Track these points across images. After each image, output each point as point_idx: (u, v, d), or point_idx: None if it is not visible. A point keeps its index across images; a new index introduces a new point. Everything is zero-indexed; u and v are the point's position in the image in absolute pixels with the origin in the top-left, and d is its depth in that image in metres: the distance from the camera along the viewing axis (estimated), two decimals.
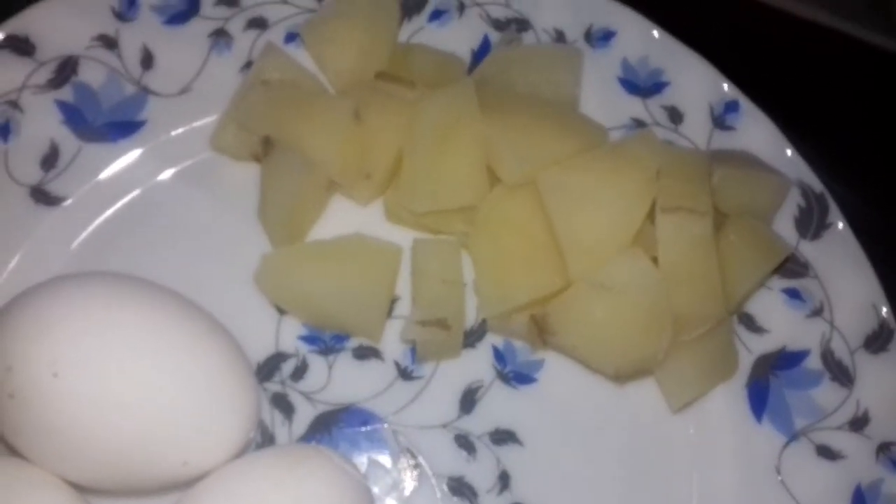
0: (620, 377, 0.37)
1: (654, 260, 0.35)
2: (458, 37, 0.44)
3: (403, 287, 0.40)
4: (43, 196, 0.40)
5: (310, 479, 0.31)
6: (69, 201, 0.40)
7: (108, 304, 0.31)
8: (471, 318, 0.40)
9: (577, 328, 0.35)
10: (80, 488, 0.32)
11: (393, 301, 0.40)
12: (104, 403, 0.30)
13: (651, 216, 0.37)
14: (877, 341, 0.39)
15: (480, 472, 0.38)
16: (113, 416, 0.30)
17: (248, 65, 0.42)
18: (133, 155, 0.41)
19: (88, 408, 0.30)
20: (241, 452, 0.34)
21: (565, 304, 0.35)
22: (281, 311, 0.40)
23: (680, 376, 0.38)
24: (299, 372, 0.39)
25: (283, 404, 0.39)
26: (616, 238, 0.35)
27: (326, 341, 0.40)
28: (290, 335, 0.40)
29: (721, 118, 0.42)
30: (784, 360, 0.40)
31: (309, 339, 0.40)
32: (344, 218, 0.41)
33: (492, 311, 0.37)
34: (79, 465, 0.31)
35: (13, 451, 0.32)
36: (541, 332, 0.37)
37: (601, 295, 0.34)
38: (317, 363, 0.39)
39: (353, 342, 0.40)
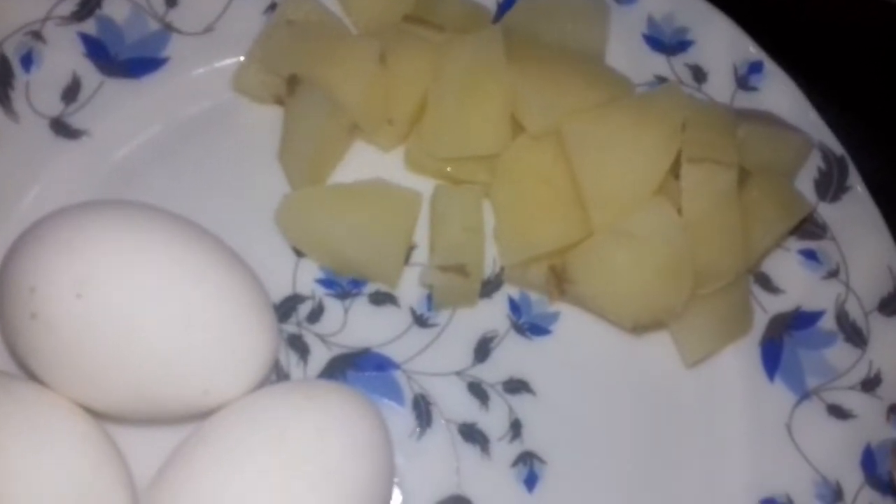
0: (637, 328, 0.37)
1: (678, 212, 0.36)
2: None
3: (421, 235, 0.40)
4: (63, 128, 0.40)
5: (329, 410, 0.31)
6: (89, 135, 0.40)
7: (134, 231, 0.31)
8: (488, 269, 0.40)
9: (597, 277, 0.35)
10: (98, 415, 0.32)
11: (411, 248, 0.40)
12: (126, 328, 0.30)
13: (674, 169, 0.37)
14: (891, 304, 0.39)
15: (493, 420, 0.38)
16: (135, 340, 0.30)
17: (271, 7, 0.42)
18: (154, 92, 0.41)
19: (110, 331, 0.30)
20: (258, 386, 0.34)
21: (586, 253, 0.35)
22: (298, 254, 0.40)
23: (695, 331, 0.38)
24: (315, 314, 0.39)
25: (298, 345, 0.39)
26: (639, 189, 0.35)
27: (343, 285, 0.40)
28: (307, 278, 0.40)
29: (745, 78, 0.42)
30: (798, 320, 0.40)
31: (326, 283, 0.40)
32: (364, 163, 0.41)
33: (512, 258, 0.38)
34: (98, 390, 0.31)
35: (32, 376, 0.32)
36: (559, 282, 0.37)
37: (623, 243, 0.34)
38: (333, 307, 0.39)
39: (370, 287, 0.40)
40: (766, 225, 0.37)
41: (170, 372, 0.31)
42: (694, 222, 0.35)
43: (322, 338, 0.39)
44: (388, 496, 0.33)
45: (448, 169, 0.39)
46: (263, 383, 0.35)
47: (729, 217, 0.35)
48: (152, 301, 0.31)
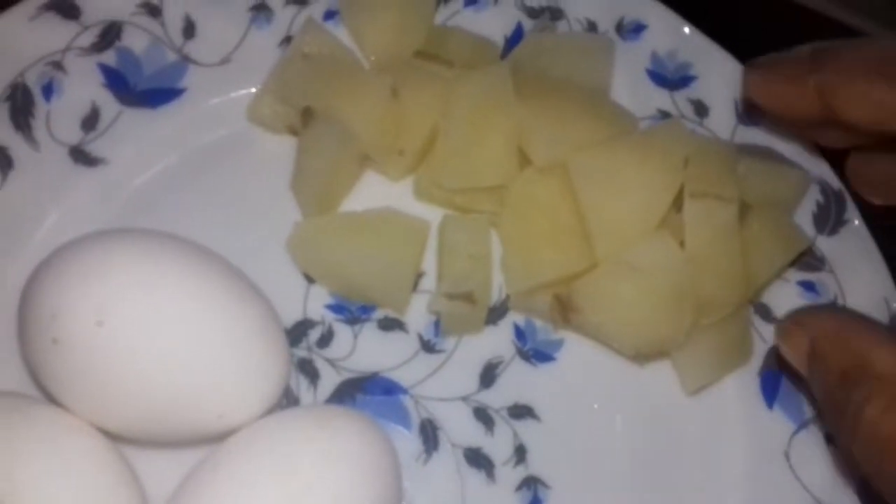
0: (639, 357, 0.38)
1: (680, 245, 0.37)
2: (492, 23, 0.45)
3: (429, 263, 0.41)
4: (82, 156, 0.41)
5: (339, 436, 0.32)
6: (107, 163, 0.41)
7: (152, 259, 0.32)
8: (494, 297, 0.41)
9: (601, 306, 0.36)
10: (114, 437, 0.33)
11: (419, 276, 0.41)
12: (146, 354, 0.31)
13: (677, 203, 0.38)
14: None
15: (497, 445, 0.39)
16: (153, 366, 0.31)
17: (286, 39, 0.43)
18: (171, 121, 0.42)
19: (129, 357, 0.31)
20: (271, 410, 0.35)
21: (591, 283, 0.36)
22: (309, 280, 0.41)
23: (696, 360, 0.39)
24: (325, 339, 0.40)
25: (308, 369, 0.40)
26: (643, 221, 0.36)
27: (353, 311, 0.41)
28: (317, 304, 0.41)
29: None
30: None
31: (336, 308, 0.41)
32: (374, 193, 0.42)
33: (518, 286, 0.38)
34: (115, 413, 0.32)
35: (51, 399, 0.33)
36: (564, 310, 0.38)
37: (627, 275, 0.35)
38: (343, 332, 0.40)
39: (379, 313, 0.41)
40: (767, 258, 0.38)
41: (185, 396, 0.32)
42: (696, 255, 0.36)
43: (332, 362, 0.40)
44: None
45: (456, 199, 0.40)
46: (275, 407, 0.36)
47: (730, 250, 0.36)
48: (169, 327, 0.32)
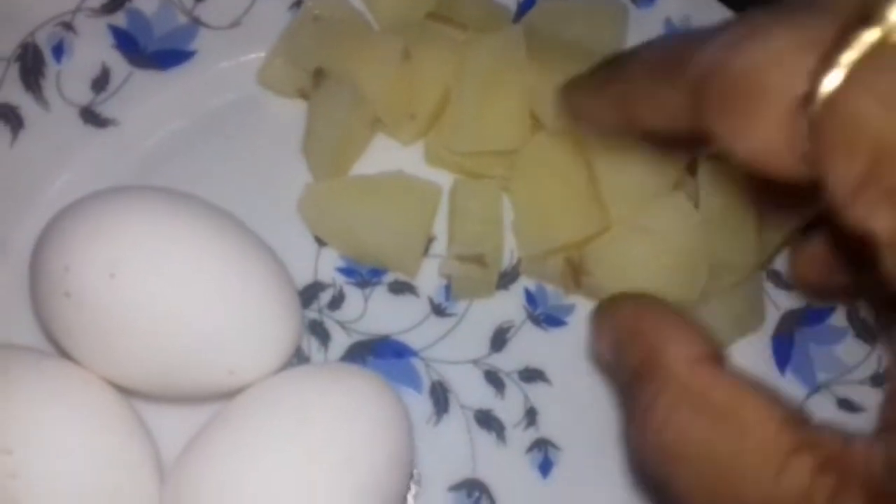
0: None
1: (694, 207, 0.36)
2: None
3: (440, 227, 0.41)
4: (92, 117, 0.41)
5: (354, 392, 0.32)
6: (117, 124, 0.41)
7: (166, 215, 0.32)
8: (505, 261, 0.41)
9: (613, 269, 0.36)
10: (126, 392, 0.33)
11: (430, 240, 0.41)
12: (157, 308, 0.31)
13: (691, 167, 0.38)
14: None
15: (508, 408, 0.39)
16: (165, 320, 0.31)
17: (297, 3, 0.43)
18: (182, 84, 0.42)
19: (142, 310, 0.31)
20: (282, 369, 0.35)
21: (603, 246, 0.36)
22: (320, 243, 0.41)
23: (709, 324, 0.38)
24: (336, 302, 0.40)
25: (319, 331, 0.40)
26: (657, 184, 0.36)
27: (363, 274, 0.41)
28: (328, 266, 0.41)
29: None
30: (810, 316, 0.41)
31: (346, 272, 0.41)
32: (385, 157, 0.42)
33: (530, 250, 0.38)
34: (127, 368, 0.32)
35: (63, 353, 0.33)
36: (575, 274, 0.38)
37: (640, 236, 0.35)
38: (353, 295, 0.40)
39: (390, 276, 0.41)
40: (778, 223, 0.37)
41: (197, 351, 0.32)
42: (710, 218, 0.36)
43: (342, 324, 0.40)
44: (408, 478, 0.33)
45: (467, 163, 0.40)
46: (286, 367, 0.36)
47: (744, 213, 0.36)
48: (183, 282, 0.32)
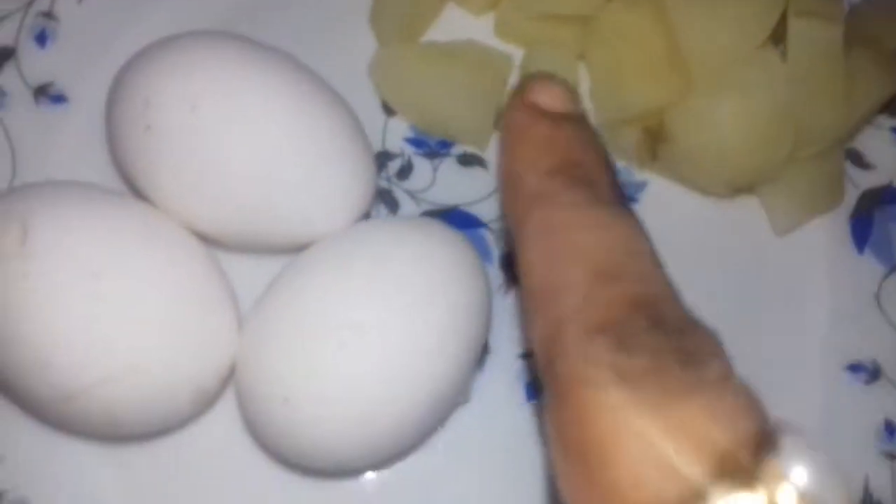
0: (732, 187, 0.37)
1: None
2: None
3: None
4: None
5: (432, 239, 0.32)
6: None
7: (250, 57, 0.32)
8: None
9: (697, 131, 0.35)
10: (205, 240, 0.33)
11: (499, 113, 0.41)
12: (237, 146, 0.31)
13: (774, 35, 0.37)
14: None
15: None
16: (245, 159, 0.31)
17: None
18: None
19: (222, 147, 0.31)
20: (355, 220, 0.34)
21: (687, 107, 0.35)
22: (388, 113, 0.40)
23: (788, 198, 0.38)
24: (405, 171, 0.40)
25: (388, 199, 0.39)
26: (743, 45, 0.35)
27: (432, 146, 0.40)
28: (396, 137, 0.40)
29: None
30: (889, 195, 0.39)
31: (415, 142, 0.40)
32: (454, 28, 0.41)
33: (607, 117, 0.37)
34: (204, 209, 0.32)
35: (141, 195, 0.33)
36: (653, 143, 0.37)
37: (727, 96, 0.34)
38: (422, 165, 0.40)
39: (458, 149, 0.40)
40: (866, 90, 0.36)
41: (275, 194, 0.32)
42: (798, 77, 0.34)
43: (411, 194, 0.39)
44: (486, 329, 0.33)
45: (539, 31, 0.39)
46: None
47: (832, 74, 0.34)
48: (262, 123, 0.31)
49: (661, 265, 0.23)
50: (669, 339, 0.20)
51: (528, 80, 0.25)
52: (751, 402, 0.19)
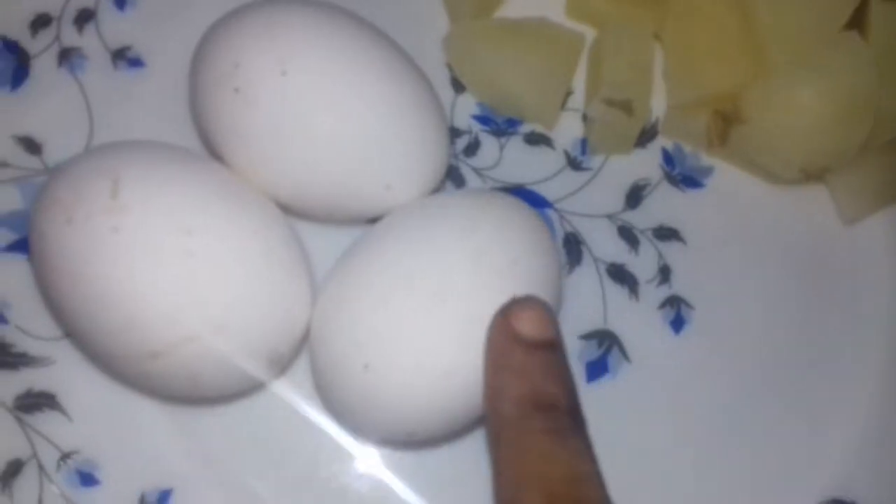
0: (804, 172, 0.37)
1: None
2: None
3: (578, 82, 0.41)
4: None
5: (511, 209, 0.32)
6: None
7: (337, 22, 0.32)
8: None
9: (774, 112, 0.35)
10: (283, 208, 0.33)
11: (568, 93, 0.41)
12: (323, 111, 0.31)
13: (852, 23, 0.36)
14: None
15: (641, 263, 0.39)
16: (332, 125, 0.31)
17: None
18: None
19: (309, 112, 0.31)
20: (431, 192, 0.34)
21: (765, 88, 0.35)
22: (457, 90, 0.40)
23: (859, 187, 0.37)
24: (472, 148, 0.40)
25: (455, 175, 0.39)
26: (823, 28, 0.35)
27: (499, 123, 0.40)
28: (464, 114, 0.40)
29: None
30: None
31: (482, 120, 0.40)
32: (525, 5, 0.41)
33: (681, 97, 0.37)
34: (289, 176, 0.32)
35: (222, 160, 0.33)
36: (725, 125, 0.37)
37: (806, 77, 0.34)
38: (489, 143, 0.40)
39: (526, 127, 0.40)
40: None
41: (358, 160, 0.32)
42: (879, 62, 0.34)
43: (478, 171, 0.39)
44: (558, 301, 0.33)
45: (612, 11, 0.39)
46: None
47: None
48: (347, 89, 0.31)
49: (602, 485, 0.27)
50: None
51: (511, 303, 0.29)
52: None
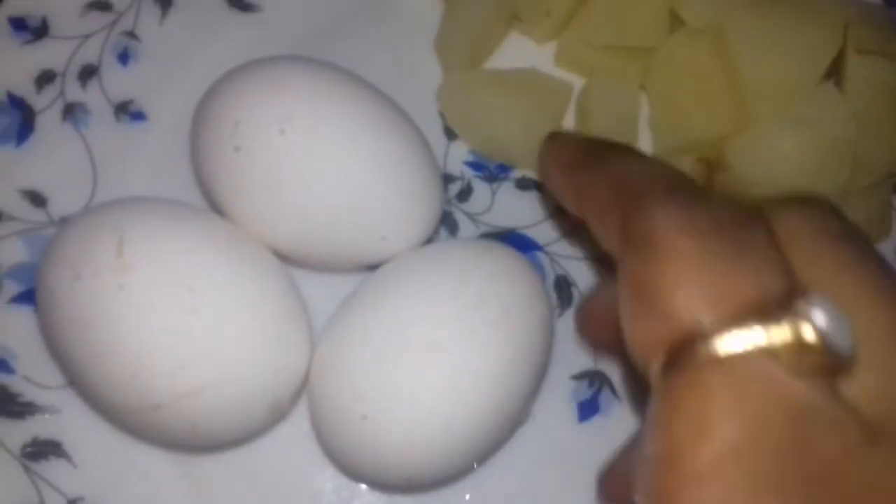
0: None
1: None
2: None
3: (567, 128, 0.42)
4: (237, 1, 0.42)
5: (503, 260, 0.33)
6: (260, 10, 0.42)
7: (334, 80, 0.33)
8: None
9: (754, 162, 0.36)
10: (282, 258, 0.34)
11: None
12: (324, 167, 0.32)
13: (829, 74, 0.38)
14: None
15: None
16: (329, 179, 0.32)
17: None
18: None
19: (308, 169, 0.32)
20: (425, 240, 0.36)
21: (746, 138, 0.36)
22: (450, 137, 0.41)
23: None
24: (465, 194, 0.41)
25: (448, 221, 0.40)
26: (802, 79, 0.36)
27: (491, 169, 0.41)
28: (457, 160, 0.41)
29: None
30: None
31: (475, 166, 0.41)
32: (515, 56, 0.42)
33: (667, 144, 0.39)
34: (287, 227, 0.33)
35: (222, 213, 0.34)
36: (709, 172, 0.38)
37: (787, 128, 0.35)
38: (481, 188, 0.41)
39: (517, 173, 0.41)
40: None
41: (353, 215, 0.33)
42: (856, 113, 0.36)
43: (471, 216, 0.41)
44: (551, 349, 0.34)
45: (600, 61, 0.41)
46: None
47: (890, 111, 0.36)
48: (345, 144, 0.32)
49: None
50: (730, 207, 0.24)
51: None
52: (786, 267, 0.22)
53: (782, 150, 0.36)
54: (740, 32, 0.37)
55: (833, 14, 0.37)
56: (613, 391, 0.38)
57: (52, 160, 0.38)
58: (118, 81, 0.40)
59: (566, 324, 0.39)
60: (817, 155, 0.35)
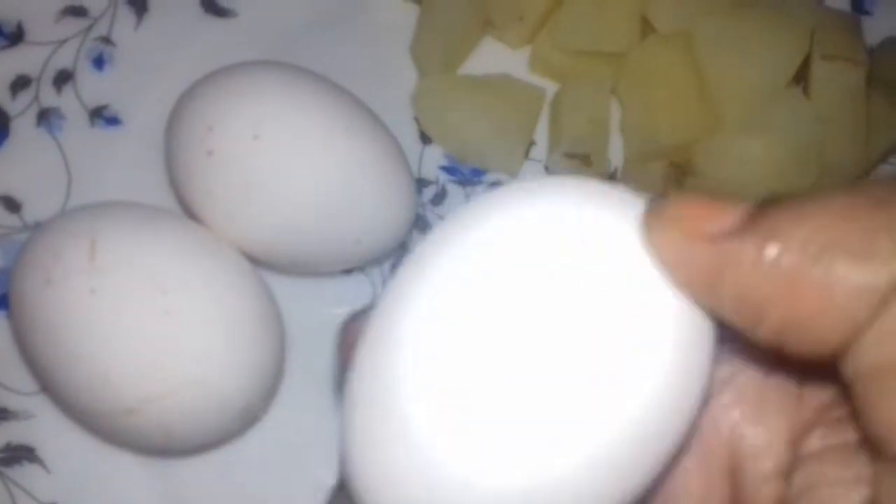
0: None
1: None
2: None
3: (540, 133, 0.42)
4: (212, 7, 0.42)
5: None
6: (236, 15, 0.42)
7: (307, 86, 0.33)
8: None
9: (723, 167, 0.37)
10: (255, 262, 0.34)
11: (530, 144, 0.42)
12: (295, 172, 0.32)
13: (798, 78, 0.38)
14: None
15: None
16: (302, 184, 0.32)
17: None
18: None
19: (280, 174, 0.32)
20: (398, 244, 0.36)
21: (715, 142, 0.37)
22: (424, 141, 0.42)
23: None
24: (439, 198, 0.41)
25: (422, 224, 0.40)
26: (770, 84, 0.37)
27: (465, 173, 0.42)
28: (431, 165, 0.42)
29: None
30: None
31: (449, 170, 0.42)
32: (489, 61, 0.43)
33: (638, 149, 0.39)
34: (260, 232, 0.33)
35: (195, 217, 0.34)
36: (680, 176, 0.39)
37: (755, 133, 0.36)
38: (455, 192, 0.41)
39: (490, 177, 0.42)
40: (885, 131, 0.38)
41: (327, 217, 0.33)
42: (822, 117, 0.36)
43: (444, 219, 0.41)
44: None
45: (572, 66, 0.41)
46: (391, 252, 0.37)
47: (856, 114, 0.36)
48: (317, 149, 0.33)
49: None
50: None
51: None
52: None
53: (751, 153, 0.36)
54: (709, 39, 0.38)
55: (800, 21, 0.38)
56: None
57: (27, 165, 0.38)
58: (93, 86, 0.40)
59: None
60: (785, 158, 0.36)
